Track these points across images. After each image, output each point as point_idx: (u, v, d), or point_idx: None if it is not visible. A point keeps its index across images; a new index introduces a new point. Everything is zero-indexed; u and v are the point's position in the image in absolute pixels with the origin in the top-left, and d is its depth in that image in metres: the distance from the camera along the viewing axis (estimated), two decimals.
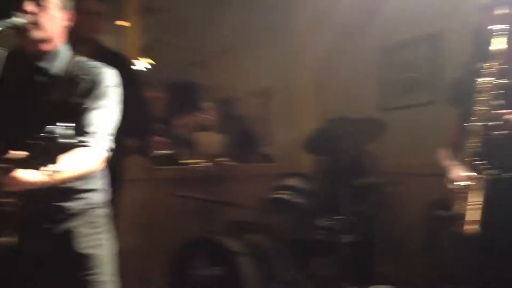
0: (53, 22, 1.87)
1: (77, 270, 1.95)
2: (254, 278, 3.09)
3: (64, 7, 1.92)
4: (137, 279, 3.59)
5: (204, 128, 5.37)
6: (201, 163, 3.80)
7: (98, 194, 2.05)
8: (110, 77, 1.95)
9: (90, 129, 1.84)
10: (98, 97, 1.90)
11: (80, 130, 1.79)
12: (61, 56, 1.94)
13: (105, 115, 1.91)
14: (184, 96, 7.60)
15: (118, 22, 5.11)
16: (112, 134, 1.92)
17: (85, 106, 1.87)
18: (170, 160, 4.51)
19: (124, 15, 4.32)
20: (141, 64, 7.23)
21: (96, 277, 1.96)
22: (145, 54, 7.23)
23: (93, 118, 1.87)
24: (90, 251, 1.97)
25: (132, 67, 3.92)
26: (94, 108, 1.87)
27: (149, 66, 7.54)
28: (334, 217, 3.21)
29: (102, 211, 2.05)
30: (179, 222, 3.93)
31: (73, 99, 1.87)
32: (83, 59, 1.97)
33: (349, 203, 3.16)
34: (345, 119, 3.26)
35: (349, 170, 3.22)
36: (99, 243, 2.01)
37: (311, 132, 3.93)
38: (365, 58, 4.59)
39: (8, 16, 1.73)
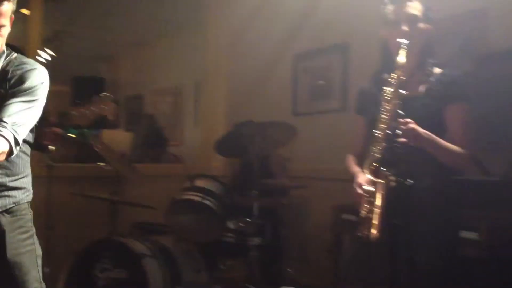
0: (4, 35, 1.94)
1: (7, 278, 1.95)
2: (161, 281, 3.03)
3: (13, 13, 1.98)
4: None
5: (110, 125, 5.20)
6: (107, 161, 3.66)
7: (24, 192, 2.10)
8: (38, 75, 1.96)
9: (2, 118, 1.83)
10: (22, 92, 1.90)
11: None
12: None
13: (24, 110, 1.90)
14: (87, 91, 7.36)
15: (21, 10, 4.83)
16: (25, 130, 1.90)
17: (8, 98, 1.88)
18: (73, 157, 4.32)
19: (26, 2, 4.08)
20: (43, 55, 6.89)
21: (26, 284, 1.98)
22: (47, 45, 6.90)
23: (10, 109, 1.86)
24: (21, 258, 1.98)
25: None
26: (14, 102, 1.87)
27: (50, 58, 7.18)
28: (243, 220, 3.23)
29: (29, 216, 2.12)
30: (82, 222, 3.79)
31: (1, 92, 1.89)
32: (20, 56, 2.01)
33: (258, 206, 3.19)
34: (256, 122, 3.29)
35: (258, 173, 3.24)
36: (28, 249, 2.04)
37: (223, 133, 3.93)
38: (279, 63, 4.68)
39: None
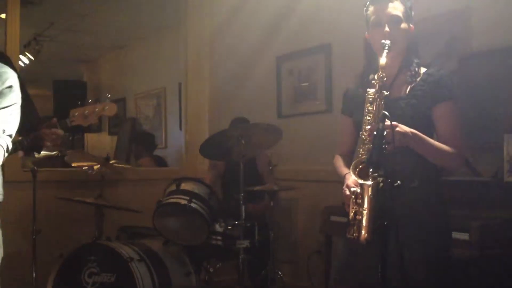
0: None
1: None
2: (149, 285, 3.02)
3: None
4: (19, 284, 3.38)
5: (94, 129, 5.16)
6: (91, 165, 3.63)
7: None
8: (10, 78, 1.93)
9: None
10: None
11: None
12: None
13: (4, 115, 1.87)
14: (69, 94, 7.31)
15: (1, 15, 4.77)
16: (10, 135, 1.88)
17: None
18: (57, 161, 4.27)
19: (4, 6, 4.03)
20: (22, 59, 6.82)
21: None
22: (26, 49, 6.83)
23: None
24: None
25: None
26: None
27: (28, 62, 7.10)
28: (231, 223, 3.23)
29: None
30: (68, 227, 3.76)
31: None
32: None
33: (245, 208, 3.19)
34: (242, 124, 3.28)
35: (245, 175, 3.24)
36: None
37: (208, 136, 3.92)
38: (262, 65, 4.69)
39: None
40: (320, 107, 4.22)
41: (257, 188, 3.37)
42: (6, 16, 4.01)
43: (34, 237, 3.49)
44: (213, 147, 3.53)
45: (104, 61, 8.27)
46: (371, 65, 2.16)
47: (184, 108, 4.95)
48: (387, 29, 2.06)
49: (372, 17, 2.11)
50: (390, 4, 2.06)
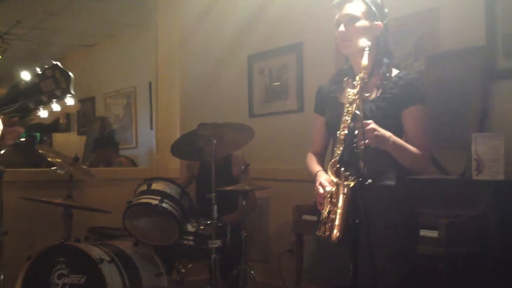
0: None
1: None
2: (120, 286, 2.98)
3: None
4: None
5: (62, 128, 5.08)
6: (59, 165, 3.56)
7: None
8: None
9: None
10: None
11: None
12: None
13: None
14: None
15: None
16: None
17: None
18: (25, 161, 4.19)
19: None
20: None
21: None
22: None
23: None
24: None
25: None
26: None
27: None
28: (203, 223, 3.21)
29: None
30: (36, 228, 3.68)
31: None
32: None
33: (217, 208, 3.18)
34: (213, 124, 3.27)
35: (217, 175, 3.23)
36: None
37: (178, 135, 3.90)
38: (233, 64, 4.68)
39: None
40: (292, 107, 4.23)
41: (229, 188, 3.35)
42: None
43: (0, 239, 3.41)
44: (184, 147, 3.51)
45: (72, 60, 8.14)
46: (342, 64, 2.19)
47: (154, 108, 4.90)
48: (341, 28, 2.09)
49: (335, 18, 2.15)
50: (348, 5, 2.10)
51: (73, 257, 3.03)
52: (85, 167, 3.75)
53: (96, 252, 3.06)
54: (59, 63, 1.49)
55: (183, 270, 3.32)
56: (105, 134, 6.26)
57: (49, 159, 3.61)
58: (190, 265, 3.37)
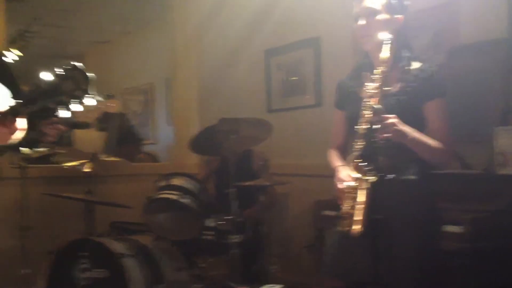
0: None
1: None
2: (141, 280, 3.01)
3: None
4: (13, 283, 3.36)
5: (81, 125, 5.09)
6: (80, 161, 3.61)
7: None
8: None
9: None
10: None
11: None
12: None
13: None
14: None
15: None
16: None
17: None
18: (46, 158, 4.23)
19: None
20: (9, 55, 6.74)
21: None
22: (12, 45, 6.75)
23: None
24: None
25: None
26: None
27: (17, 58, 7.02)
28: (223, 218, 3.22)
29: None
30: (58, 223, 3.74)
31: None
32: None
33: (237, 203, 3.18)
34: (232, 119, 3.28)
35: (237, 170, 3.23)
36: None
37: (196, 131, 3.91)
38: (251, 59, 4.67)
39: None
40: (310, 101, 4.22)
41: (248, 183, 3.36)
42: None
43: (23, 234, 3.47)
44: (202, 142, 3.52)
45: (90, 57, 8.20)
46: (362, 58, 2.17)
47: (172, 104, 4.92)
48: (361, 22, 2.07)
49: (354, 11, 2.12)
50: None
51: (95, 252, 3.06)
52: (106, 158, 3.78)
53: (117, 246, 3.09)
54: (79, 64, 1.50)
55: (203, 265, 3.33)
56: (128, 130, 6.28)
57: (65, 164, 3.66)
58: (210, 260, 3.38)
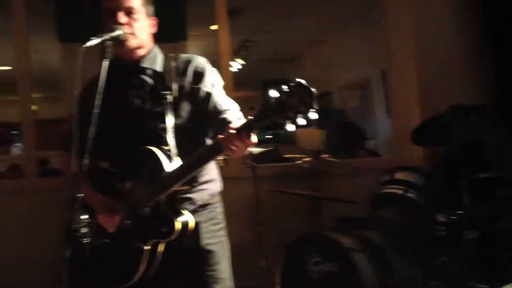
0: (143, 30, 2.03)
1: (199, 265, 2.04)
2: (372, 275, 2.99)
3: (149, 15, 2.06)
4: (248, 275, 3.63)
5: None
6: (304, 159, 3.76)
7: (215, 183, 2.16)
8: (204, 62, 2.11)
9: (225, 108, 2.00)
10: (209, 81, 2.06)
11: (215, 111, 1.99)
12: (157, 55, 2.11)
13: (224, 95, 2.07)
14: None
15: (210, 27, 5.19)
16: None
17: (205, 90, 2.03)
18: (272, 157, 4.51)
19: (213, 19, 4.38)
20: (234, 65, 7.34)
21: (216, 273, 2.05)
22: (236, 55, 7.33)
23: (221, 100, 2.03)
24: (213, 247, 2.06)
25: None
26: (213, 92, 2.04)
27: (240, 67, 7.61)
28: (455, 212, 3.04)
29: (220, 209, 2.17)
30: (287, 218, 3.93)
31: (185, 88, 2.04)
32: (172, 54, 2.14)
33: (469, 197, 2.97)
34: (460, 107, 3.06)
35: (468, 162, 3.02)
36: (220, 240, 2.11)
37: (418, 122, 3.77)
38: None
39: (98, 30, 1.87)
40: None
41: (482, 175, 3.12)
42: (216, 27, 4.34)
43: (257, 228, 3.72)
44: (425, 134, 3.38)
45: (306, 58, 8.51)
46: None
47: (391, 96, 4.81)
48: None
49: None
50: None
51: (325, 246, 3.13)
52: (328, 158, 3.87)
53: (346, 241, 3.12)
54: (303, 81, 1.56)
55: (436, 262, 3.19)
56: (347, 126, 6.36)
57: (286, 155, 3.83)
58: (443, 257, 3.22)
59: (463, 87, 4.26)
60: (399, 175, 3.35)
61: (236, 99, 2.13)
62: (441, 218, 3.09)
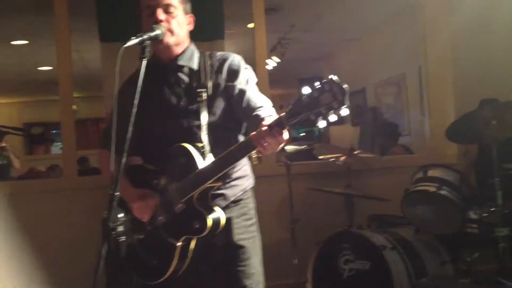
0: (181, 27, 2.05)
1: (231, 261, 2.05)
2: (404, 273, 3.01)
3: (187, 12, 2.09)
4: (280, 270, 3.67)
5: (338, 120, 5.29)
6: (337, 157, 3.78)
7: (248, 179, 2.17)
8: (239, 59, 2.12)
9: (258, 105, 2.01)
10: (244, 78, 2.07)
11: (248, 108, 2.00)
12: (193, 53, 2.13)
13: (258, 92, 2.08)
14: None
15: (248, 25, 5.24)
16: None
17: (239, 87, 2.05)
18: (305, 155, 4.53)
19: (250, 17, 4.42)
20: (270, 63, 7.39)
21: (247, 268, 2.06)
22: (273, 53, 7.36)
23: (254, 97, 2.04)
24: (245, 243, 2.07)
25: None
26: (247, 89, 2.05)
27: (276, 64, 7.65)
28: (487, 209, 3.02)
29: (252, 204, 2.17)
30: (321, 215, 3.96)
31: (220, 85, 2.06)
32: (208, 51, 2.15)
33: (502, 195, 2.95)
34: (493, 103, 3.04)
35: (502, 159, 2.99)
36: (252, 235, 2.12)
37: (453, 119, 3.74)
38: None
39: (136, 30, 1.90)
40: None
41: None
42: (253, 25, 4.40)
43: (292, 226, 3.77)
44: (460, 130, 3.37)
45: (341, 55, 8.48)
46: None
47: (426, 93, 4.77)
48: None
49: None
50: None
51: (357, 244, 3.16)
52: (362, 154, 3.87)
53: (378, 239, 3.15)
54: (335, 77, 1.56)
55: (468, 259, 3.18)
56: (382, 123, 6.32)
57: (321, 156, 3.85)
58: (476, 254, 3.21)
59: (498, 84, 4.21)
60: (432, 172, 3.35)
61: (271, 97, 2.14)
62: (473, 215, 3.08)
